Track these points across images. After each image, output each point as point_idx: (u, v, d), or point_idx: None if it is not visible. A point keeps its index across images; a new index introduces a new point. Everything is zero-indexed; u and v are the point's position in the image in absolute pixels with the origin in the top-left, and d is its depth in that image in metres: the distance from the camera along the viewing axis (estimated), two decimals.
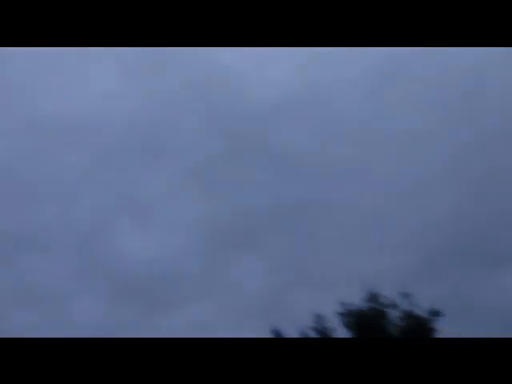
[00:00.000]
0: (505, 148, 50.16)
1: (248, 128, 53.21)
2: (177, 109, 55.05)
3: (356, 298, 28.30)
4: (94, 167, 54.60)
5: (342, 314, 28.02)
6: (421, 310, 28.07)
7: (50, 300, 46.83)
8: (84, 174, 54.44)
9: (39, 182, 53.75)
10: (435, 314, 27.93)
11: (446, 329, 28.02)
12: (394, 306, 28.05)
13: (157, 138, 54.98)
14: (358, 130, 52.07)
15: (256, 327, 35.46)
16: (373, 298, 28.11)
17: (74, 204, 52.78)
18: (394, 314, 28.13)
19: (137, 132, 53.76)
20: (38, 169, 54.14)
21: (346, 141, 52.73)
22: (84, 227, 51.11)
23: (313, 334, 28.05)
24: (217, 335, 27.96)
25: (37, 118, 55.19)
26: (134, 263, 49.20)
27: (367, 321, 27.49)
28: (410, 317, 27.92)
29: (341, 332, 28.01)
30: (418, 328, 27.83)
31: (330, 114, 53.34)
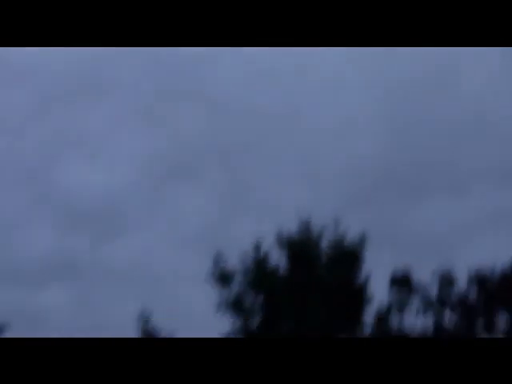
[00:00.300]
0: (429, 90, 53.03)
1: (190, 72, 54.67)
2: (123, 52, 55.71)
3: (291, 227, 30.46)
4: (43, 104, 55.73)
5: (277, 241, 30.29)
6: (350, 237, 30.58)
7: (4, 228, 48.75)
8: (33, 110, 55.61)
9: None
10: (363, 238, 30.46)
11: (372, 253, 30.74)
12: (325, 233, 30.48)
13: (105, 78, 56.05)
14: (290, 77, 54.16)
15: (200, 251, 37.89)
16: (306, 226, 30.41)
17: (23, 139, 53.98)
18: (324, 241, 30.61)
19: (85, 71, 54.44)
20: None
21: (282, 88, 54.86)
22: (33, 161, 52.59)
23: (251, 260, 30.39)
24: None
25: None
26: (82, 196, 51.37)
27: (300, 246, 29.92)
28: (339, 242, 30.42)
29: (276, 257, 30.48)
30: (347, 252, 30.40)
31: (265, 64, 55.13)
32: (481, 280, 31.68)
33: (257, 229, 31.26)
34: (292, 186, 47.45)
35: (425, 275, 31.59)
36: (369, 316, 31.06)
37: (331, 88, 54.74)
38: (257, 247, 30.55)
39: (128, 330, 30.67)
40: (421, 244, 39.34)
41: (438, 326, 31.64)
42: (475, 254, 37.34)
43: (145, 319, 30.82)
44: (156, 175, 52.46)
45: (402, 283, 31.94)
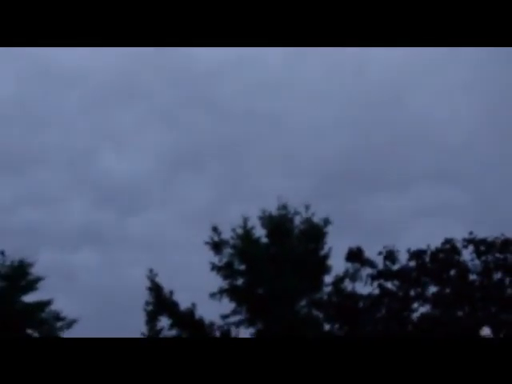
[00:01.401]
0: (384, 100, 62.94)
1: (199, 83, 65.17)
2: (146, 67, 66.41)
3: (272, 207, 38.37)
4: (87, 104, 67.17)
5: (261, 218, 38.11)
6: (317, 219, 38.43)
7: (50, 202, 58.67)
8: (79, 108, 66.51)
9: (45, 114, 69.76)
10: (327, 222, 38.29)
11: (333, 234, 38.78)
12: (298, 214, 38.49)
13: (135, 85, 67.25)
14: (279, 88, 64.23)
15: (200, 226, 46.41)
16: (283, 207, 38.26)
17: (69, 131, 64.67)
18: (297, 220, 38.75)
19: (119, 79, 64.68)
20: (45, 103, 69.14)
21: (273, 95, 64.92)
22: (77, 149, 64.06)
23: (239, 233, 38.20)
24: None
25: (46, 68, 70.73)
26: (112, 178, 63.08)
27: (278, 223, 37.97)
28: (308, 222, 38.59)
29: (259, 231, 38.41)
30: (314, 231, 38.39)
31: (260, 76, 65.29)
32: (417, 257, 39.58)
33: (245, 209, 38.95)
34: (274, 176, 57.10)
35: (373, 252, 39.36)
36: (328, 282, 39.12)
37: (313, 95, 64.89)
38: (244, 223, 38.11)
39: (139, 285, 38.41)
40: (372, 228, 48.15)
41: (383, 292, 39.66)
42: (413, 237, 46.17)
43: (152, 277, 38.42)
44: (170, 165, 64.42)
45: (355, 258, 39.75)
